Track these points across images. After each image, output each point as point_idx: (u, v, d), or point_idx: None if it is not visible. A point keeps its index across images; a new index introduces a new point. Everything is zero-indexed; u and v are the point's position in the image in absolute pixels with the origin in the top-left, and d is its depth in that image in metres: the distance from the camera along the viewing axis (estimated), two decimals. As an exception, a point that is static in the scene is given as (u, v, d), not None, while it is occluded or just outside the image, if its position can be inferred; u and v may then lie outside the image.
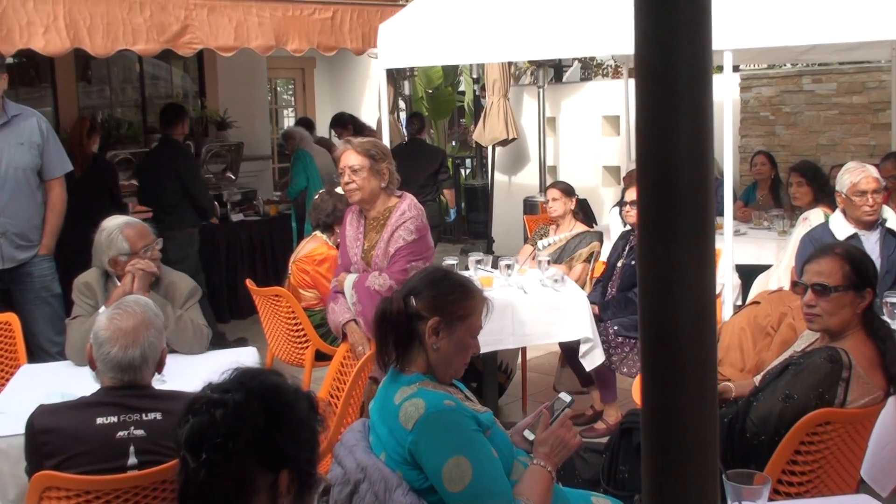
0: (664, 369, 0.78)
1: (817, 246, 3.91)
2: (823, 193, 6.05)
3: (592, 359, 4.94)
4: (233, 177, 9.06)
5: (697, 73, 0.77)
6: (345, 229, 4.59)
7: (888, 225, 4.57)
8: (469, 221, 11.57)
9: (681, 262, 0.77)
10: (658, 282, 0.78)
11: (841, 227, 4.62)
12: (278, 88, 14.48)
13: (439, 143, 13.23)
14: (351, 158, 4.31)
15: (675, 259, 0.77)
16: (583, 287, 5.46)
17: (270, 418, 1.75)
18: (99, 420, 2.63)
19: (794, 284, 3.22)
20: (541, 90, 9.87)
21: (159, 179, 6.91)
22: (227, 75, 9.68)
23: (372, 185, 4.32)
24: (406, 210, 4.33)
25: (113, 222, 4.05)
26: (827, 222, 4.82)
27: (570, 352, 5.17)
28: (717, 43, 4.93)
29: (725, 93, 5.25)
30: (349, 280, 4.45)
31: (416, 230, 4.29)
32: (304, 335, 5.19)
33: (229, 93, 9.76)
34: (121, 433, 2.62)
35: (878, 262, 4.42)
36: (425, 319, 2.54)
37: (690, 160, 0.77)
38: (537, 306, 4.89)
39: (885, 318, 3.52)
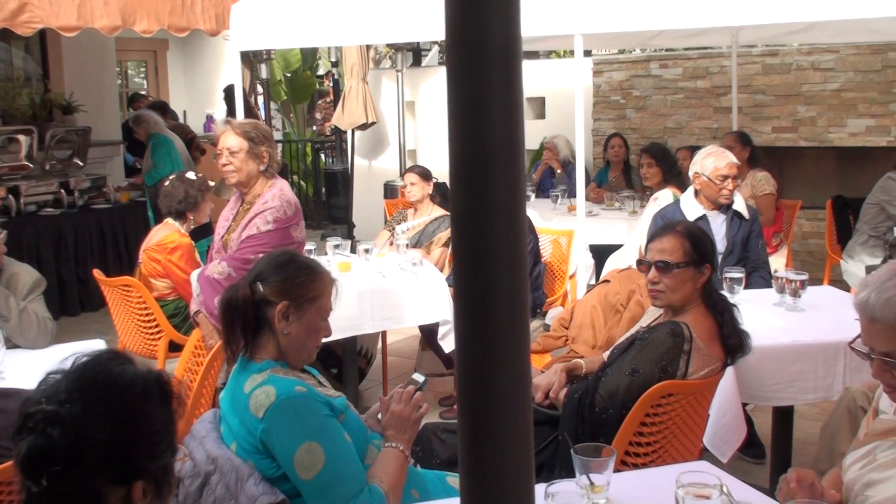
0: (478, 351, 0.78)
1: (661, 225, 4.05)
2: (672, 174, 6.30)
3: (451, 341, 4.99)
4: (80, 163, 8.67)
5: (507, 57, 0.77)
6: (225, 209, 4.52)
7: (735, 207, 4.79)
8: (329, 206, 11.47)
9: (493, 238, 0.77)
10: (472, 265, 0.78)
11: (691, 208, 4.81)
12: (129, 71, 13.96)
13: (298, 128, 13.06)
14: (230, 140, 4.20)
15: (487, 234, 0.78)
16: (441, 270, 5.50)
17: (117, 431, 1.56)
18: (-72, 421, 2.48)
19: (639, 262, 3.33)
20: (399, 74, 9.86)
21: None
22: (72, 57, 9.24)
23: (249, 167, 4.22)
24: (269, 199, 4.20)
25: None
26: (677, 202, 5.00)
27: (429, 335, 5.20)
28: (567, 27, 5.11)
29: (578, 77, 5.39)
30: (194, 273, 4.37)
31: (274, 221, 4.15)
32: (157, 326, 5.03)
33: (75, 75, 9.32)
34: (-47, 434, 2.48)
35: (723, 242, 4.66)
36: (273, 304, 2.50)
37: (502, 148, 0.77)
38: (396, 290, 4.89)
39: (725, 292, 3.69)
